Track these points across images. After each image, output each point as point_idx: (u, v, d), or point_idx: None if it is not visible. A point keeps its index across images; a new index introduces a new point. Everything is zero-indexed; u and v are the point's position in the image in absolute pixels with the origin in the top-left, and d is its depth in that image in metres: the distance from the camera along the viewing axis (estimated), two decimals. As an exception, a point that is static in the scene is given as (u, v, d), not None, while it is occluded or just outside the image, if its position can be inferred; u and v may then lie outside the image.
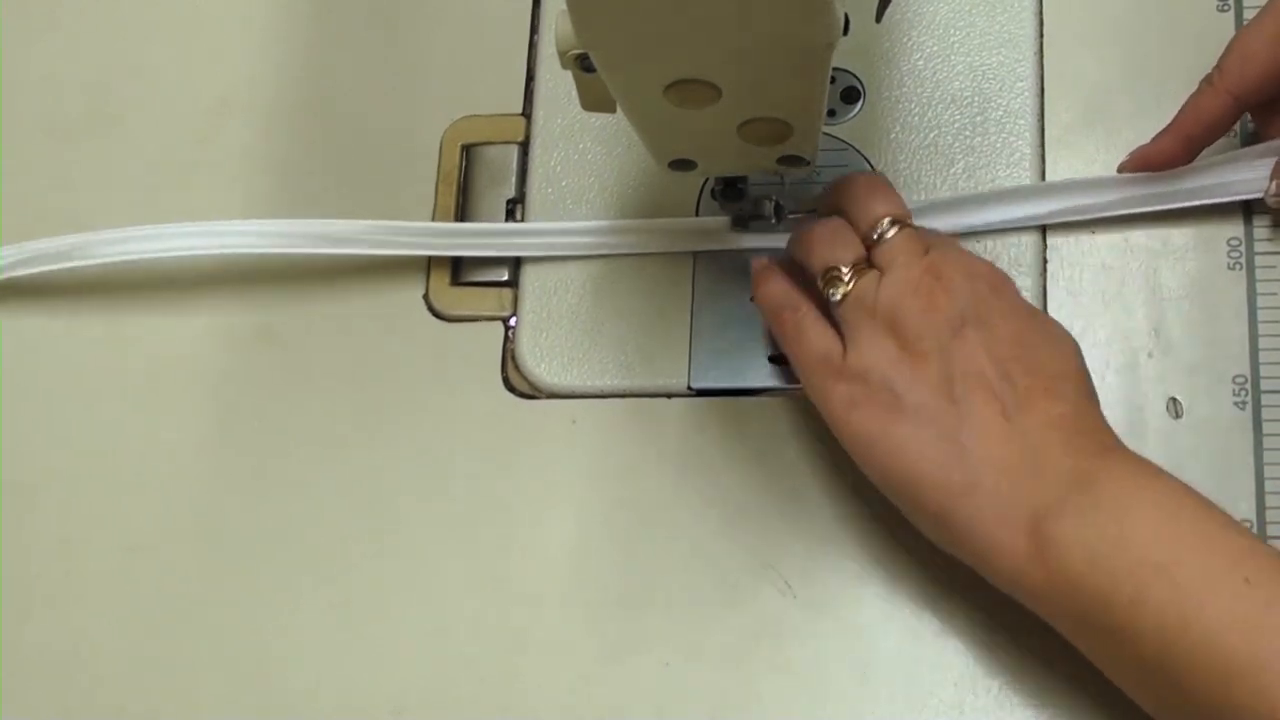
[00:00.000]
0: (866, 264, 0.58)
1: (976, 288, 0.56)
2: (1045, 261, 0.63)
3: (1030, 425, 0.53)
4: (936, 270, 0.56)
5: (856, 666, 0.59)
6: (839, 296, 0.57)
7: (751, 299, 0.62)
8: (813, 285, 0.59)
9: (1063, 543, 0.51)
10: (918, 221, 0.59)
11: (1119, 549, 0.50)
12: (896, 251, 0.57)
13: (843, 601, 0.60)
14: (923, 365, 0.55)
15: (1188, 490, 0.52)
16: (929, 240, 0.58)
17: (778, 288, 0.60)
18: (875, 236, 0.58)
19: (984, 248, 0.63)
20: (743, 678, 0.60)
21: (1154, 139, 0.61)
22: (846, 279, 0.57)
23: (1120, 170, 0.62)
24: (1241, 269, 0.62)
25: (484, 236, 0.67)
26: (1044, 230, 0.63)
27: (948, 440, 0.54)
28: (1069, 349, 0.56)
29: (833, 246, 0.58)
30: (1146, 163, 0.61)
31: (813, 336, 0.58)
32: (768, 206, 0.64)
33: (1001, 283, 0.57)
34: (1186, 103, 0.60)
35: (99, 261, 0.68)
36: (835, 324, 0.58)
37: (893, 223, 0.58)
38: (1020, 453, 0.53)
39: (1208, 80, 0.60)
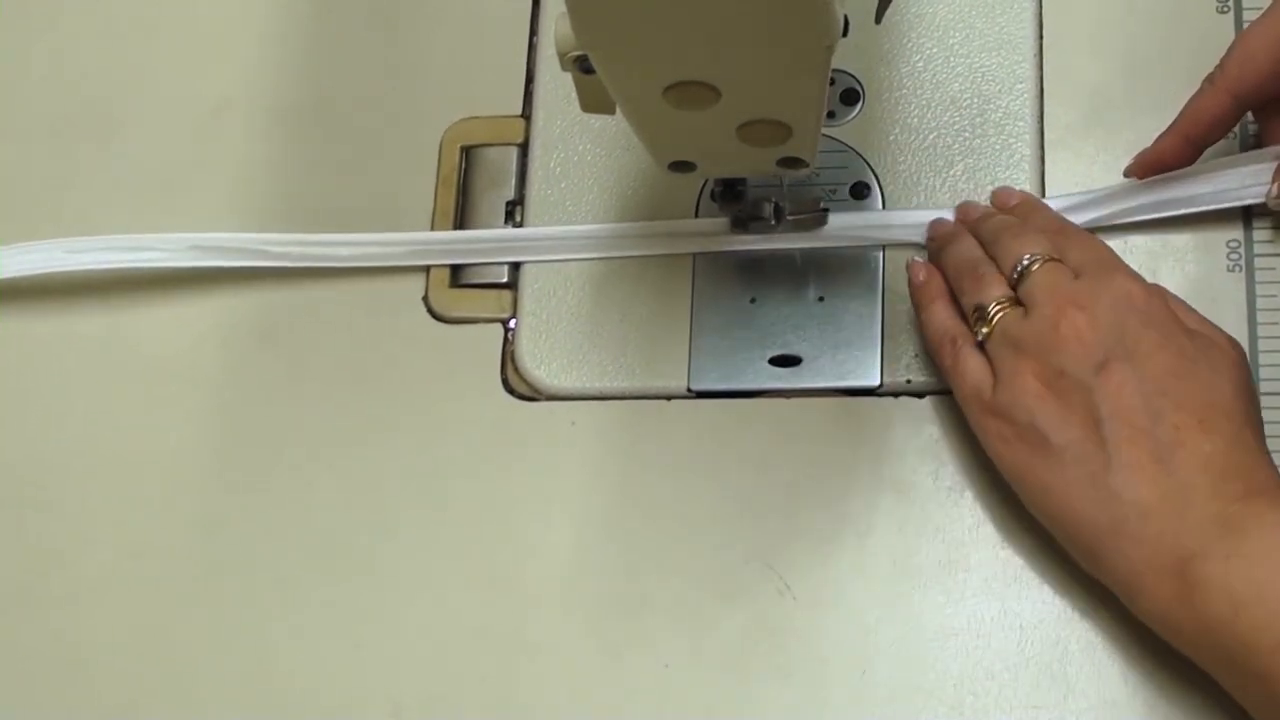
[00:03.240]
0: (1012, 301, 0.57)
1: (1124, 319, 0.55)
2: (1045, 263, 0.63)
3: (1179, 466, 0.53)
4: (1080, 303, 0.56)
5: (856, 667, 0.59)
6: (983, 335, 0.57)
7: (917, 321, 0.61)
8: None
9: (1208, 588, 0.51)
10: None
11: (1262, 596, 0.51)
12: (1038, 288, 0.57)
13: (842, 601, 0.60)
14: (1067, 404, 0.55)
15: None
16: (1079, 265, 0.57)
17: (942, 317, 0.60)
18: (1017, 274, 0.58)
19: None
20: (743, 678, 0.60)
21: (1155, 141, 0.61)
22: (991, 317, 0.57)
23: (1126, 174, 0.62)
24: (1241, 271, 0.62)
25: (480, 244, 0.67)
26: (1044, 231, 0.63)
27: (1095, 483, 0.54)
28: (1227, 372, 0.55)
29: (978, 285, 0.58)
30: (1150, 165, 0.61)
31: (967, 370, 0.58)
32: (767, 208, 0.64)
33: (1154, 309, 0.56)
34: (1187, 103, 0.60)
35: (96, 267, 0.68)
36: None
37: (1034, 259, 0.57)
38: (1167, 497, 0.53)
39: (1209, 80, 0.60)
